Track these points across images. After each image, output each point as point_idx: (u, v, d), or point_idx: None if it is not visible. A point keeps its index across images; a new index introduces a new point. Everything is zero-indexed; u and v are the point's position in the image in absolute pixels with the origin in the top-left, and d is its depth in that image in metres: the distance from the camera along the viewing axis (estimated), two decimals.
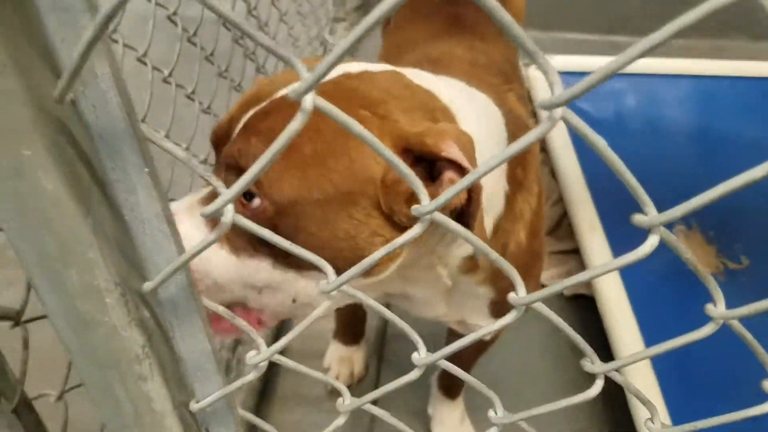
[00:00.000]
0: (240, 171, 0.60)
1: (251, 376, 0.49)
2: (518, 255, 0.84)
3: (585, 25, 2.61)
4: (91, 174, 0.39)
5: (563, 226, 1.75)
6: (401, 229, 0.62)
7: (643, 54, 0.28)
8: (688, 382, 1.31)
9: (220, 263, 0.63)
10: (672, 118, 2.02)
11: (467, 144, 0.58)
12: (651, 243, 0.35)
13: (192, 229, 0.62)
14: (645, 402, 0.49)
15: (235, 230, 0.58)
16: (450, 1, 1.23)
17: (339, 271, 0.42)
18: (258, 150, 0.59)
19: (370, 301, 0.46)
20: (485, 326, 1.00)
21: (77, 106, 0.34)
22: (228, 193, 0.35)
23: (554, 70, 0.31)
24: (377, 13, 0.29)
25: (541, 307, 0.40)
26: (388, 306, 0.82)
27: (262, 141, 0.59)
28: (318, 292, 0.44)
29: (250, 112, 0.64)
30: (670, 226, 1.45)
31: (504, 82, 0.97)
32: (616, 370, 0.46)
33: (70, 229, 0.40)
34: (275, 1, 1.54)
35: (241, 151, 0.60)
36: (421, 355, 0.48)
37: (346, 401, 0.54)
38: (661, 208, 0.33)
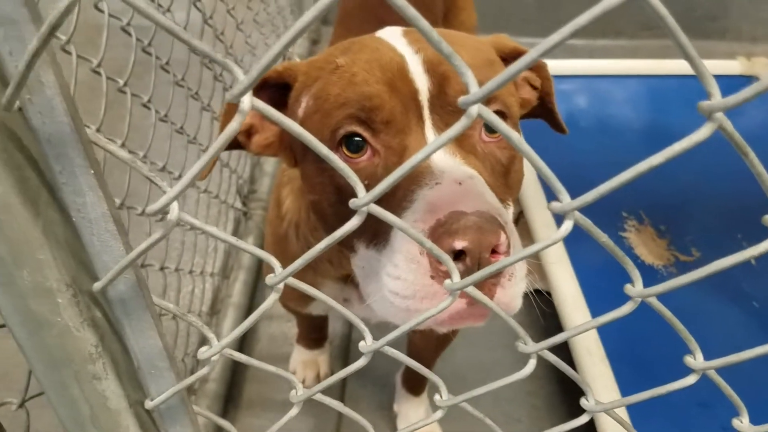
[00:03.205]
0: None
1: (204, 371, 0.50)
2: None
3: (538, 29, 2.66)
4: (40, 178, 0.41)
5: (520, 224, 1.80)
6: None
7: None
8: (643, 372, 1.37)
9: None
10: (622, 117, 2.08)
11: None
12: (566, 227, 0.38)
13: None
14: (578, 380, 0.53)
15: None
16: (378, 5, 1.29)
17: None
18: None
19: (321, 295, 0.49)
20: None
21: (25, 113, 0.36)
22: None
23: None
24: (308, 17, 0.32)
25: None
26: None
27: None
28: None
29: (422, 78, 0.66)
30: (621, 220, 1.49)
31: None
32: (568, 359, 0.49)
33: (20, 232, 0.41)
34: (231, 10, 1.55)
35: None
36: (367, 343, 0.50)
37: (299, 392, 0.56)
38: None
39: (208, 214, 1.52)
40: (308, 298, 1.08)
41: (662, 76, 2.23)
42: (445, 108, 0.66)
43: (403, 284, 0.59)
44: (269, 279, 0.45)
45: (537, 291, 1.75)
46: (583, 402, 0.53)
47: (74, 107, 0.36)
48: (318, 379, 1.52)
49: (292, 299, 1.14)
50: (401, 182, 0.67)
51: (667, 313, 0.46)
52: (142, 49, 1.10)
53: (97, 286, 0.44)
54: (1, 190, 0.39)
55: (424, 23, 0.33)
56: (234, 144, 0.79)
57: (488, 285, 0.58)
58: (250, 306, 1.64)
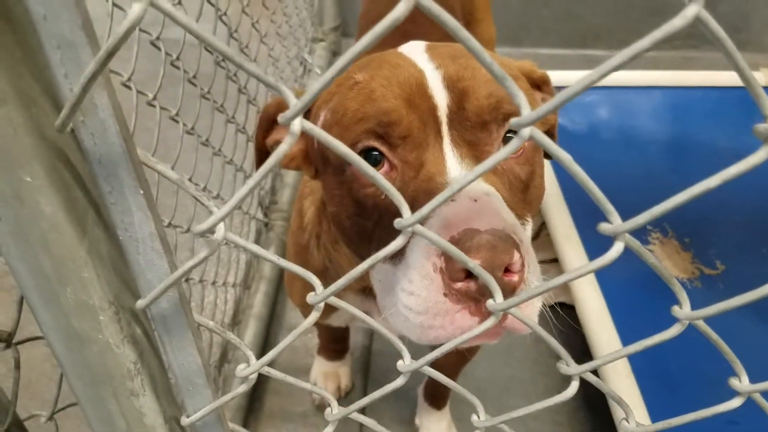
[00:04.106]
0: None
1: (241, 389, 0.50)
2: None
3: (557, 40, 2.68)
4: (87, 197, 0.41)
5: (542, 236, 1.79)
6: None
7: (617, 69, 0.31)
8: (669, 387, 1.35)
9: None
10: (645, 129, 2.07)
11: None
12: (617, 249, 0.37)
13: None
14: (619, 401, 0.52)
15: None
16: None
17: None
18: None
19: (354, 310, 0.48)
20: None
21: (77, 134, 0.36)
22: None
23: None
24: (361, 45, 0.32)
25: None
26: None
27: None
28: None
29: (441, 95, 0.66)
30: (645, 232, 1.48)
31: None
32: (594, 373, 0.48)
33: (66, 250, 0.42)
34: (255, 23, 1.57)
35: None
36: (405, 362, 0.50)
37: (335, 410, 0.55)
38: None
39: (231, 224, 1.52)
40: (329, 309, 1.08)
41: (684, 88, 2.22)
42: (464, 124, 0.66)
43: (417, 300, 0.59)
44: (310, 298, 0.45)
45: (551, 307, 1.75)
46: (623, 425, 0.52)
47: (126, 129, 0.36)
48: (339, 390, 1.52)
49: None
50: (418, 198, 0.67)
51: (714, 336, 0.46)
52: (170, 63, 1.11)
53: (141, 303, 0.44)
54: (50, 209, 0.39)
55: (475, 44, 0.33)
56: (265, 156, 0.82)
57: None
58: (270, 317, 1.64)
